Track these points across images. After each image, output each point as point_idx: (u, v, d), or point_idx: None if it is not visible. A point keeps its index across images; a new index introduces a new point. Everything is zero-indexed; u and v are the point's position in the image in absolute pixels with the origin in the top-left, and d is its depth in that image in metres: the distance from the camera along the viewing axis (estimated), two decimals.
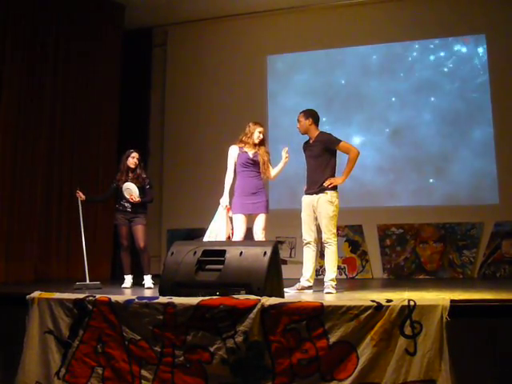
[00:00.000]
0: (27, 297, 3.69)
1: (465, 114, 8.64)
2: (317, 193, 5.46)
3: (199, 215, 8.71)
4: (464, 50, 8.84)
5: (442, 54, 8.92)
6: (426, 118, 8.84)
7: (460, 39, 8.86)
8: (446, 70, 8.87)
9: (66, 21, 8.46)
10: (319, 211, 5.42)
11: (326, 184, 5.42)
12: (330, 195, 5.43)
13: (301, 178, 8.99)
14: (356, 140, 8.98)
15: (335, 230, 5.47)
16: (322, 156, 5.54)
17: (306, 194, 5.59)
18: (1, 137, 7.15)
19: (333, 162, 5.60)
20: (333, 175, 5.54)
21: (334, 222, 5.42)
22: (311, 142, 5.66)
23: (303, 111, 5.75)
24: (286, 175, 9.09)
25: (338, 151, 5.61)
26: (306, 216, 5.53)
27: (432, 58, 8.98)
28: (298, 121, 5.72)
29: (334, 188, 5.50)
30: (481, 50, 8.72)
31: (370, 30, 9.19)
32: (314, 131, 5.68)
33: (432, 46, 9.00)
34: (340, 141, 5.53)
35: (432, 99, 8.86)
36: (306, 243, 5.57)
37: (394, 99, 9.04)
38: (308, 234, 5.54)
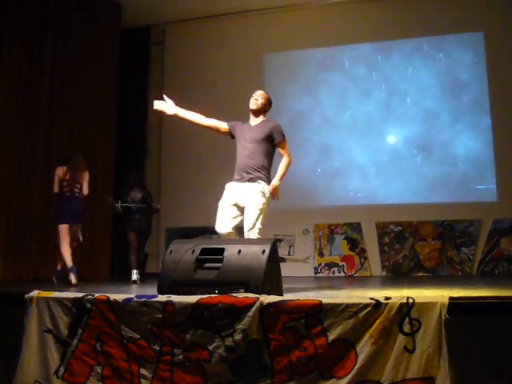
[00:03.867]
0: (26, 296, 3.68)
1: (463, 110, 8.66)
2: (250, 181, 4.99)
3: (197, 214, 8.75)
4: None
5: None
6: (425, 115, 8.85)
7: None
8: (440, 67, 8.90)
9: (62, 20, 8.44)
10: (247, 202, 4.92)
11: (270, 190, 4.95)
12: (262, 186, 4.98)
13: (300, 178, 9.07)
14: (354, 138, 9.01)
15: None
16: (263, 143, 5.09)
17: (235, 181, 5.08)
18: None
19: (272, 152, 5.18)
20: (270, 166, 5.16)
21: (263, 216, 4.94)
22: (253, 124, 5.22)
23: (267, 94, 5.34)
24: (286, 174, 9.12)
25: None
26: (229, 206, 4.97)
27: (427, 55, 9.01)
28: (261, 97, 5.25)
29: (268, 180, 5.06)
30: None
31: (367, 27, 9.20)
32: (263, 116, 5.28)
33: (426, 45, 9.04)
34: (285, 138, 5.21)
35: (431, 94, 8.88)
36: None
37: (394, 96, 9.06)
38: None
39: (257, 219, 4.87)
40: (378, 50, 9.21)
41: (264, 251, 3.60)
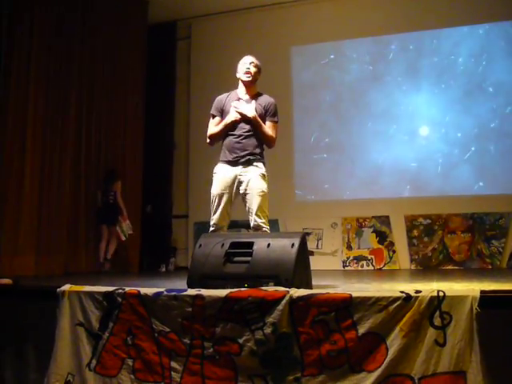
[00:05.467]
0: (58, 290, 3.73)
1: (493, 102, 8.56)
2: (246, 164, 4.65)
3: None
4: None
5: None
6: (453, 106, 8.77)
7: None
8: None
9: (91, 17, 8.50)
10: (249, 189, 4.59)
11: (238, 109, 4.60)
12: (261, 169, 4.65)
13: (328, 170, 9.04)
14: (380, 128, 8.96)
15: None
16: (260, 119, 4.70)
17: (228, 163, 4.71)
18: (30, 140, 7.23)
19: None
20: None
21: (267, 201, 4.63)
22: (246, 97, 4.80)
23: (258, 60, 4.82)
24: (314, 167, 9.12)
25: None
26: (225, 195, 4.64)
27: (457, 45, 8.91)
28: (253, 66, 4.76)
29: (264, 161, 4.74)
30: None
31: (394, 18, 9.13)
32: (255, 88, 4.85)
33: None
34: (277, 120, 4.77)
35: (461, 87, 8.78)
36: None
37: (421, 87, 8.98)
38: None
39: (263, 205, 4.56)
40: (404, 41, 9.14)
41: (293, 244, 3.60)
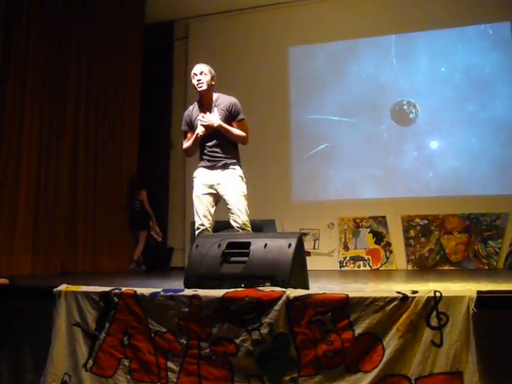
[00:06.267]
0: (54, 290, 3.72)
1: (490, 100, 8.58)
2: (223, 168, 4.77)
3: (223, 207, 8.76)
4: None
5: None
6: (451, 107, 8.78)
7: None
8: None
9: (87, 17, 8.49)
10: (228, 190, 4.73)
11: (205, 119, 4.66)
12: (238, 171, 4.79)
13: (325, 170, 9.04)
14: (377, 129, 8.97)
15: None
16: (225, 123, 4.75)
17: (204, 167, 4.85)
18: (26, 140, 7.21)
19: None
20: (237, 144, 4.88)
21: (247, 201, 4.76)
22: (208, 105, 4.81)
23: (207, 66, 4.86)
24: (311, 168, 9.13)
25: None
26: (206, 196, 4.83)
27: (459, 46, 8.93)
28: (203, 74, 4.78)
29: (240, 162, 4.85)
30: None
31: (393, 19, 9.14)
32: (211, 94, 4.84)
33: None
34: (244, 116, 4.79)
35: (462, 89, 8.80)
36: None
37: (419, 86, 9.00)
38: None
39: (243, 205, 4.72)
40: (401, 42, 9.15)
41: (290, 245, 3.60)
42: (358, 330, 3.02)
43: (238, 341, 3.20)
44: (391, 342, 2.97)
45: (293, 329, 3.13)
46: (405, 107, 9.00)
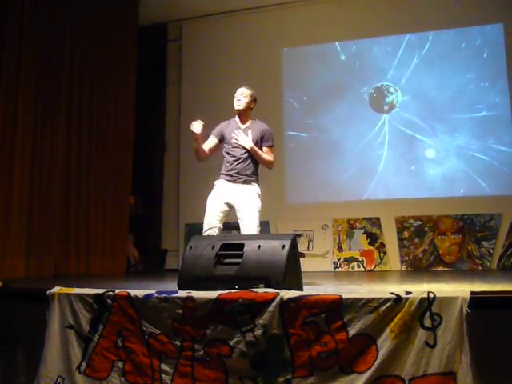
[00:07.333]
0: (48, 292, 3.72)
1: (484, 106, 8.60)
2: (244, 183, 5.11)
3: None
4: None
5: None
6: (444, 108, 8.81)
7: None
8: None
9: (80, 18, 8.46)
10: (244, 204, 5.03)
11: (239, 137, 5.10)
12: (256, 188, 5.15)
13: (319, 172, 9.04)
14: (372, 130, 8.99)
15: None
16: (257, 146, 5.15)
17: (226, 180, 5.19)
18: (20, 140, 7.18)
19: None
20: (258, 167, 5.25)
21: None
22: (242, 127, 5.21)
23: (250, 90, 5.23)
24: (305, 169, 9.13)
25: None
26: (220, 201, 5.09)
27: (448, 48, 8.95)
28: (243, 96, 5.19)
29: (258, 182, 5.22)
30: None
31: (385, 21, 9.16)
32: (249, 116, 5.28)
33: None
34: (273, 144, 5.22)
35: (456, 89, 8.83)
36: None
37: (416, 89, 9.03)
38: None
39: (256, 220, 4.98)
40: (394, 44, 9.17)
41: (284, 246, 3.60)
42: (352, 331, 3.03)
43: (232, 342, 3.20)
44: (385, 343, 2.97)
45: (287, 330, 3.13)
46: (400, 109, 9.02)
